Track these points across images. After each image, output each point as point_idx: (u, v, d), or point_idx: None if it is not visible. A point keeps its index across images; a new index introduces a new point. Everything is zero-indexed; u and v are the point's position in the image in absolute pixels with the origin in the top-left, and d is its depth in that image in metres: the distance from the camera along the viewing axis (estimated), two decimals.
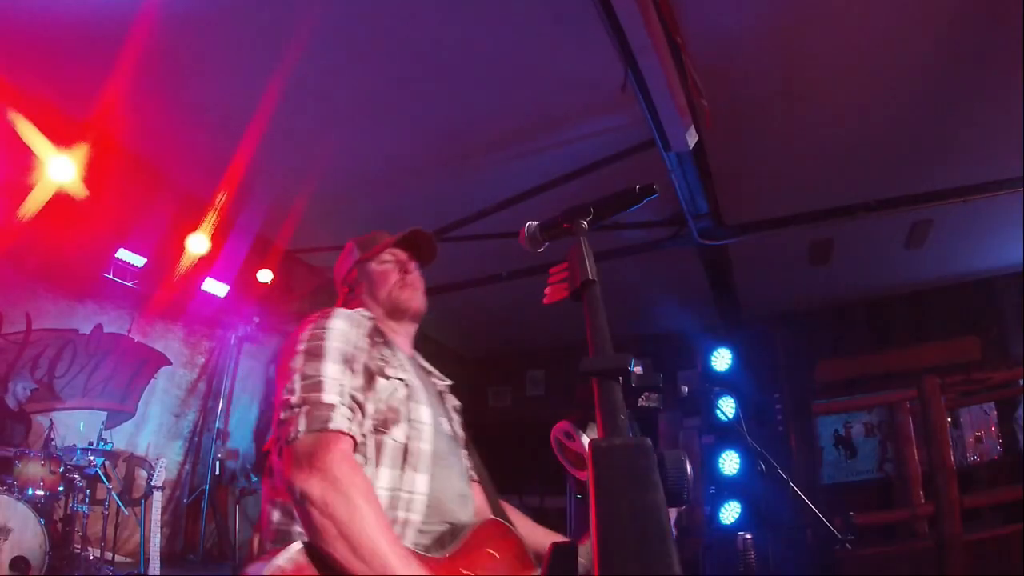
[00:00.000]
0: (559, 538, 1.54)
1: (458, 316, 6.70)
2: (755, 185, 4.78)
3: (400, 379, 1.39)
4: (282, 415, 1.22)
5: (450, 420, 1.57)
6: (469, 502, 1.45)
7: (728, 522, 5.71)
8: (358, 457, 1.25)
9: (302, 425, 1.18)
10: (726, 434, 6.03)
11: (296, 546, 1.10)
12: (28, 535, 3.61)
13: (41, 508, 3.78)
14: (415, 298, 1.61)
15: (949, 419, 4.74)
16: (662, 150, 3.74)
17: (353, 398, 1.26)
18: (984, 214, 5.00)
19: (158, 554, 4.04)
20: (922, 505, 4.80)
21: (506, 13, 3.38)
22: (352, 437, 1.22)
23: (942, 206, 4.63)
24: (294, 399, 1.22)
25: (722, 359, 6.43)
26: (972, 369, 5.98)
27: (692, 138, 3.67)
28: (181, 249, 4.97)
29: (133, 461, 5.26)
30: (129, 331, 5.36)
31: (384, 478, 1.27)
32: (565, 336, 6.54)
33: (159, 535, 4.09)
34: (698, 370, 6.61)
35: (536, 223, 1.29)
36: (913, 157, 4.46)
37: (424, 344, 1.75)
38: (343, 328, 1.35)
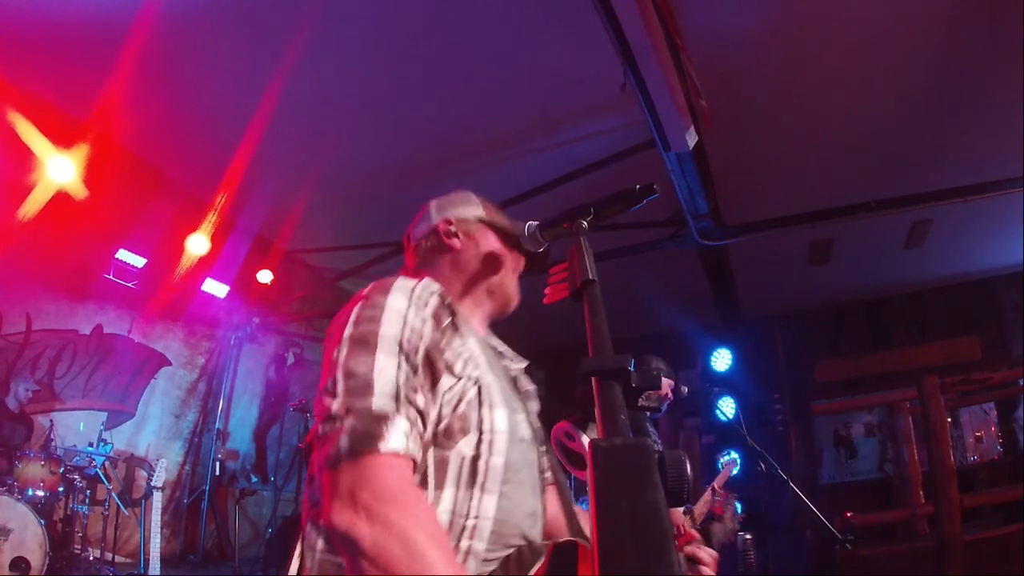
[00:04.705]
0: None
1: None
2: (755, 185, 4.77)
3: (470, 377, 1.10)
4: (321, 428, 0.96)
5: (527, 413, 1.28)
6: (539, 520, 1.19)
7: None
8: (415, 476, 1.00)
9: (344, 445, 0.91)
10: (726, 434, 6.04)
11: None
12: (28, 536, 3.61)
13: (41, 509, 3.78)
14: (517, 296, 1.37)
15: (949, 419, 4.74)
16: (662, 150, 3.74)
17: (414, 404, 0.99)
18: (984, 214, 5.00)
19: (158, 555, 4.04)
20: (922, 505, 4.80)
21: (506, 14, 3.38)
22: (413, 459, 0.96)
23: (942, 206, 4.63)
24: (336, 406, 0.95)
25: (722, 359, 6.45)
26: (972, 369, 5.97)
27: (692, 138, 3.68)
28: (181, 250, 4.97)
29: (133, 462, 5.26)
30: (129, 332, 5.37)
31: (446, 501, 1.02)
32: (565, 336, 6.53)
33: (159, 536, 4.09)
34: (698, 370, 6.62)
35: (536, 223, 1.29)
36: (913, 157, 4.46)
37: None
38: (401, 308, 1.05)
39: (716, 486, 3.81)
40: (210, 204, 4.84)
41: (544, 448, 1.30)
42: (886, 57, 3.62)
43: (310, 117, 4.21)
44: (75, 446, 4.33)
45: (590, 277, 1.06)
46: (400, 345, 1.01)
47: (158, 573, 3.99)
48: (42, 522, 3.67)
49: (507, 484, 1.08)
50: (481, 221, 1.38)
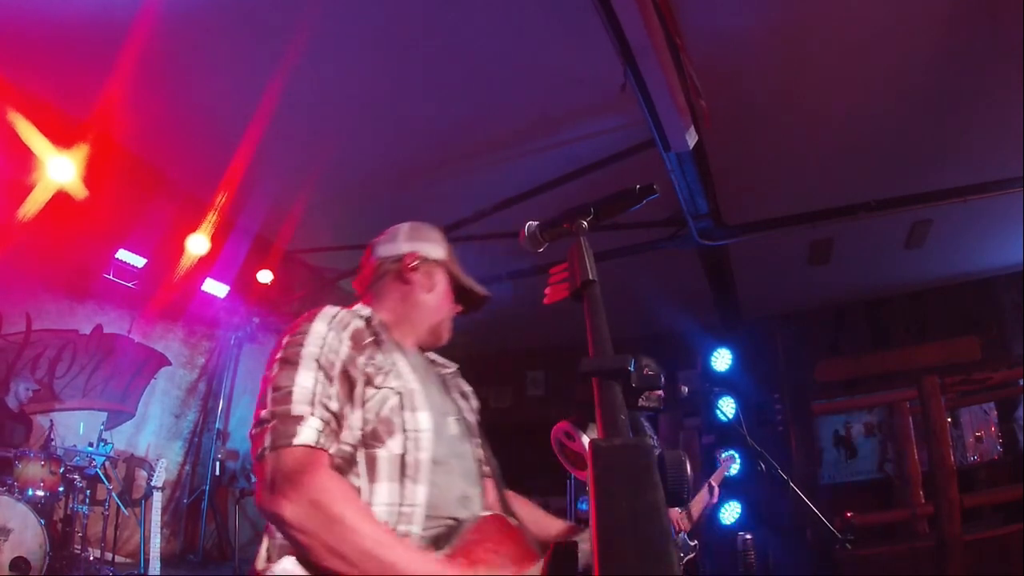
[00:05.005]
0: (560, 525, 1.53)
1: (458, 316, 6.69)
2: (755, 185, 4.78)
3: (391, 387, 1.28)
4: (252, 430, 1.16)
5: (459, 410, 1.46)
6: (472, 503, 1.35)
7: (728, 522, 5.71)
8: (352, 478, 1.19)
9: (267, 441, 1.12)
10: (726, 434, 6.04)
11: (291, 560, 1.10)
12: (28, 536, 3.61)
13: (41, 509, 3.78)
14: (448, 335, 1.57)
15: (949, 419, 4.74)
16: (662, 150, 3.74)
17: (327, 407, 1.18)
18: (984, 214, 5.00)
19: (158, 554, 4.04)
20: (922, 505, 4.80)
21: (506, 14, 3.38)
22: (324, 450, 1.15)
23: (942, 206, 4.63)
24: (264, 413, 1.17)
25: (722, 359, 6.44)
26: (972, 369, 5.97)
27: (692, 138, 3.68)
28: (181, 249, 4.96)
29: (133, 461, 5.26)
30: (129, 331, 5.37)
31: (382, 493, 1.19)
32: (565, 336, 6.53)
33: (159, 536, 4.09)
34: (698, 370, 6.62)
35: (536, 223, 1.29)
36: (913, 157, 4.46)
37: None
38: (321, 331, 1.26)
39: (713, 483, 3.81)
40: (210, 204, 4.84)
41: (478, 441, 1.47)
42: (886, 57, 3.62)
43: (310, 117, 4.21)
44: (75, 446, 4.33)
45: (590, 277, 1.06)
46: (317, 361, 1.21)
47: (158, 573, 3.99)
48: (42, 522, 3.67)
49: (436, 474, 1.25)
50: (442, 265, 1.54)
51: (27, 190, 4.06)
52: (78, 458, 4.23)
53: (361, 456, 1.21)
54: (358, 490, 1.17)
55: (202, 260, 5.12)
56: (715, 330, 6.67)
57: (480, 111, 4.17)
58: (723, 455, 4.18)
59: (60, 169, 4.01)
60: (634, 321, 6.90)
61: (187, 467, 5.64)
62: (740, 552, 4.83)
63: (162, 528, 4.28)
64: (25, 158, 3.95)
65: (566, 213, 1.22)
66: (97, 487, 4.51)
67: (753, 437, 4.16)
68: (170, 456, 5.40)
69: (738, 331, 6.68)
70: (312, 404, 1.16)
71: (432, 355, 1.56)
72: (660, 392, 3.16)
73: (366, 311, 1.39)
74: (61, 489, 4.02)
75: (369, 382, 1.25)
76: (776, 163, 4.60)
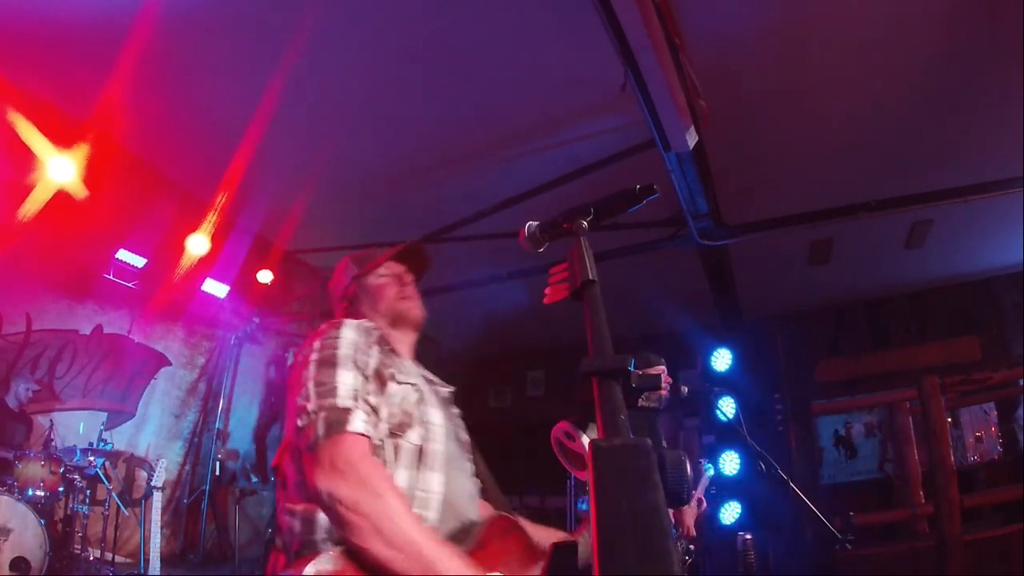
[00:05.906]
0: (560, 535, 1.56)
1: (458, 316, 6.71)
2: (755, 185, 4.78)
3: (411, 383, 1.43)
4: (299, 422, 1.25)
5: (455, 428, 1.60)
6: (475, 502, 1.48)
7: (728, 522, 5.71)
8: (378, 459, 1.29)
9: (321, 430, 1.22)
10: (726, 434, 6.04)
11: (327, 555, 1.15)
12: (28, 535, 3.61)
13: (41, 509, 3.77)
14: (415, 307, 1.66)
15: (949, 419, 4.74)
16: (662, 150, 3.74)
17: (367, 402, 1.30)
18: (984, 214, 5.00)
19: (158, 554, 4.03)
20: (922, 505, 4.81)
21: (506, 14, 3.38)
22: (369, 438, 1.25)
23: (942, 206, 4.63)
24: (311, 406, 1.25)
25: (722, 359, 6.44)
26: (972, 369, 5.97)
27: (692, 138, 3.68)
28: (181, 250, 4.96)
29: (133, 462, 5.25)
30: (129, 332, 5.36)
31: (401, 479, 1.31)
32: (565, 336, 6.53)
33: (159, 535, 4.09)
34: (698, 370, 6.61)
35: (536, 223, 1.29)
36: (913, 157, 4.46)
37: (424, 344, 1.76)
38: (353, 336, 1.39)
39: (698, 494, 3.77)
40: (210, 204, 4.84)
41: (471, 457, 1.59)
42: (886, 57, 3.62)
43: (310, 117, 4.21)
44: (75, 446, 4.33)
45: (590, 277, 1.06)
46: (354, 361, 1.34)
47: (158, 573, 3.99)
48: (42, 522, 3.67)
49: (449, 467, 1.39)
50: (356, 278, 1.69)
51: (27, 190, 4.05)
52: (78, 458, 4.23)
53: (388, 444, 1.32)
54: None
55: (202, 260, 5.11)
56: (715, 330, 6.67)
57: (480, 111, 4.17)
58: (703, 466, 4.15)
59: (60, 169, 4.00)
60: (634, 321, 6.90)
61: (187, 467, 5.63)
62: (740, 552, 4.83)
63: (162, 528, 4.27)
64: (25, 158, 3.95)
65: (566, 213, 1.22)
66: (97, 487, 4.50)
67: (753, 437, 4.15)
68: (170, 456, 5.40)
69: (738, 331, 6.68)
70: (356, 399, 1.28)
71: (429, 375, 1.67)
72: (661, 391, 3.15)
73: (371, 324, 1.51)
74: (61, 489, 4.01)
75: (393, 379, 1.40)
76: (776, 163, 4.60)
